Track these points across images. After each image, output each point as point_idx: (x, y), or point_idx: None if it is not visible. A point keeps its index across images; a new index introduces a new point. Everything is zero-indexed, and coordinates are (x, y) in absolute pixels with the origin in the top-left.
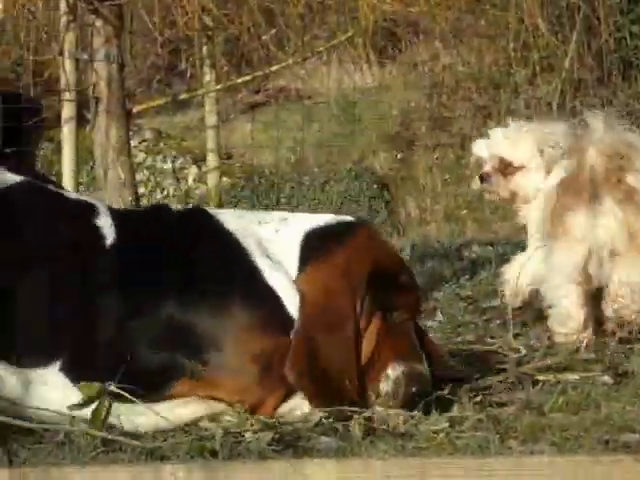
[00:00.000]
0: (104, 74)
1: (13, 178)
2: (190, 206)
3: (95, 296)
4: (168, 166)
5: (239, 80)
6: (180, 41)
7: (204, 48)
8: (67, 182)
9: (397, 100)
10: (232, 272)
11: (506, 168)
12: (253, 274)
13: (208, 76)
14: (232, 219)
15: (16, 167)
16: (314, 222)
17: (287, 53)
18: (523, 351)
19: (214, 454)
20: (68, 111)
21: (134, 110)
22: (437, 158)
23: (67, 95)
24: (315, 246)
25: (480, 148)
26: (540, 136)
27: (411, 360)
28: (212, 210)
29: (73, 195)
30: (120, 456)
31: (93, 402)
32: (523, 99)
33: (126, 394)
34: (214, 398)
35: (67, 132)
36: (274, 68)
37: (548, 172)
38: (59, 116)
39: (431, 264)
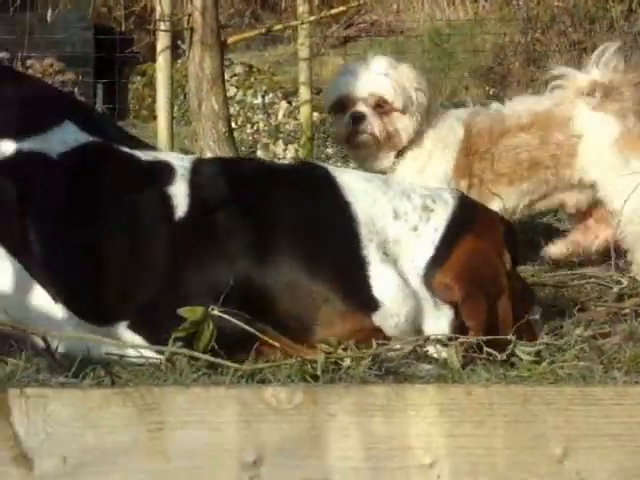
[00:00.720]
0: (199, 4)
1: (82, 137)
2: (307, 167)
3: (163, 267)
4: (258, 101)
5: (333, 11)
6: None
7: None
8: (161, 112)
9: (490, 35)
10: (332, 249)
11: (383, 107)
12: (354, 258)
13: (302, 7)
14: (362, 201)
15: (90, 122)
16: (446, 207)
17: None
18: (625, 282)
19: (315, 378)
20: (163, 41)
21: (228, 41)
22: (531, 94)
23: (162, 25)
24: (454, 234)
25: (351, 86)
26: (413, 79)
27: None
28: (336, 176)
29: (149, 156)
30: (221, 379)
31: (197, 326)
32: (619, 34)
33: (229, 317)
34: None
35: (162, 62)
36: None
37: (420, 118)
38: (150, 50)
39: None
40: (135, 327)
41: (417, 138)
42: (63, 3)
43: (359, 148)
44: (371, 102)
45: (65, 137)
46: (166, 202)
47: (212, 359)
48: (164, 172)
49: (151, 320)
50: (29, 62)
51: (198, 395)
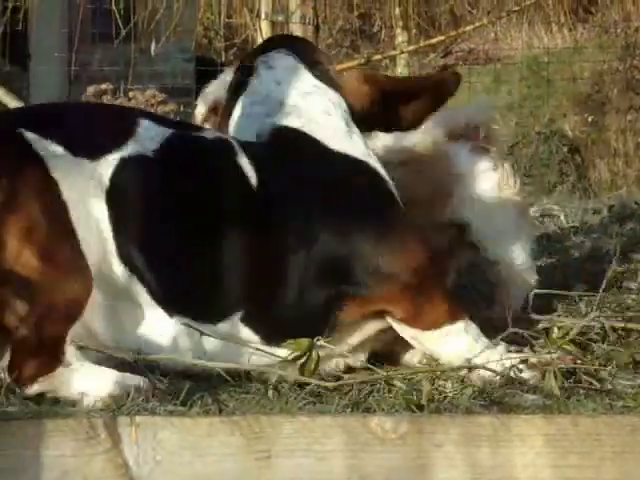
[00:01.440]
0: (299, 35)
1: (162, 130)
2: None
3: (254, 239)
4: None
5: (433, 40)
6: (372, 2)
7: (397, 10)
8: None
9: (589, 62)
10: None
11: None
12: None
13: (400, 37)
14: None
15: (155, 118)
16: None
17: (478, 16)
18: None
19: (420, 408)
20: None
21: None
22: (630, 121)
23: None
24: None
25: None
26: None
27: None
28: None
29: (213, 135)
30: (326, 407)
31: (304, 355)
32: None
33: (331, 346)
34: (382, 312)
35: None
36: (468, 28)
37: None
38: None
39: (630, 226)
40: (248, 319)
41: None
42: (165, 35)
43: None
44: None
45: (149, 134)
46: (242, 176)
47: (317, 381)
48: (228, 149)
49: (261, 308)
50: (131, 93)
51: (304, 424)
